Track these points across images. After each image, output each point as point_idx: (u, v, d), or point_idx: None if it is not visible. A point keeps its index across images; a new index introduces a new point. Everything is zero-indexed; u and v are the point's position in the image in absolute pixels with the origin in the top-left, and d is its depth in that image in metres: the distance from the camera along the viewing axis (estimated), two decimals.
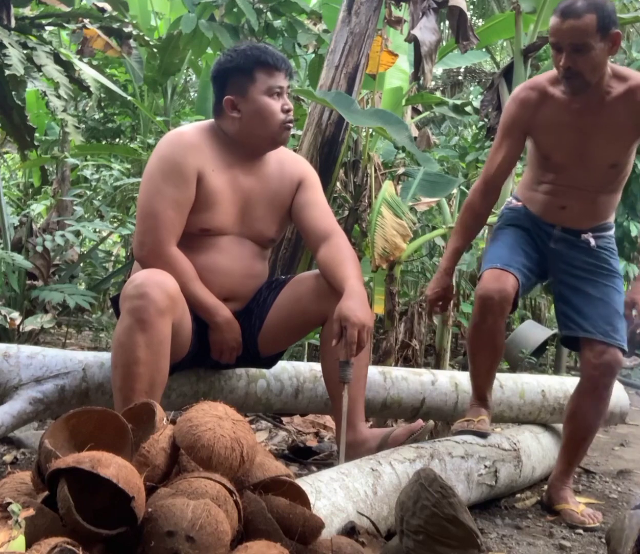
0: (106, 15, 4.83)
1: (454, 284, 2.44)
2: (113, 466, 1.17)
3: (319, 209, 2.31)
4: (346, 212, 4.15)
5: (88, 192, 5.48)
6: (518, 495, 2.64)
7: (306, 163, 2.47)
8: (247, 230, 2.27)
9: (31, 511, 1.17)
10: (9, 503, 1.20)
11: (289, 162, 2.36)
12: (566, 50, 2.21)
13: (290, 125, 2.24)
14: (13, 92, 4.30)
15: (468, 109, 4.88)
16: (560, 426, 3.13)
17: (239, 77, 2.20)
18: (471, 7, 9.78)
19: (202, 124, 2.30)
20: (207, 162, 2.18)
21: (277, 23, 5.37)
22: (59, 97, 4.13)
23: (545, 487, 2.63)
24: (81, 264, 5.13)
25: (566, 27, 2.20)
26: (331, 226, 2.29)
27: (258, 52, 2.20)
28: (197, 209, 2.17)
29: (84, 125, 6.57)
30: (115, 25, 4.91)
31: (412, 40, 3.69)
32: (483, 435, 2.44)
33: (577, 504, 2.45)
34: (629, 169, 2.45)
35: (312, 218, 2.29)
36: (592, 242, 2.47)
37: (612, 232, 2.53)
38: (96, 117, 7.02)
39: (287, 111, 2.22)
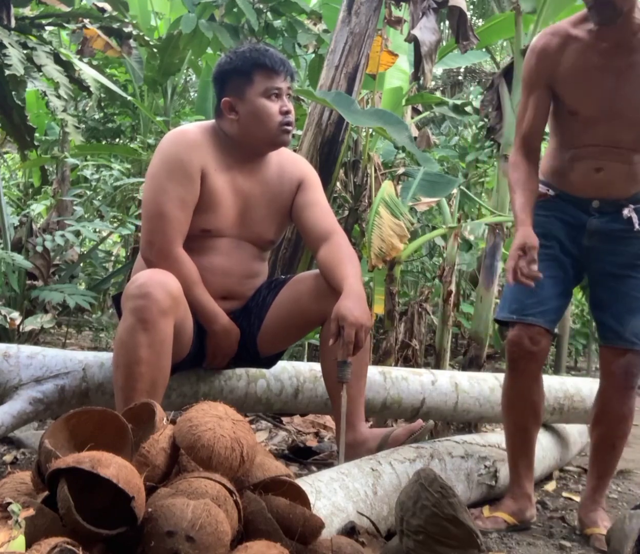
0: (106, 15, 4.84)
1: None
2: (113, 466, 1.18)
3: (320, 209, 2.30)
4: (346, 212, 4.15)
5: (88, 192, 5.47)
6: None
7: (306, 163, 2.46)
8: (246, 232, 2.26)
9: (31, 511, 1.17)
10: (9, 503, 1.20)
11: (289, 162, 2.35)
12: None
13: (289, 127, 2.22)
14: (13, 92, 4.30)
15: (468, 109, 4.87)
16: (560, 426, 3.13)
17: (237, 78, 2.19)
18: (471, 7, 9.78)
19: (203, 124, 2.29)
20: (209, 161, 2.18)
21: (277, 23, 5.37)
22: (59, 97, 4.13)
23: (546, 487, 2.63)
24: (81, 264, 5.13)
25: None
26: (332, 225, 2.28)
27: (257, 54, 2.19)
28: (199, 208, 2.16)
29: (84, 125, 6.56)
30: (115, 25, 4.91)
31: (412, 40, 3.68)
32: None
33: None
34: None
35: (313, 218, 2.28)
36: (636, 220, 2.18)
37: None
38: (96, 117, 7.02)
39: (285, 113, 2.20)
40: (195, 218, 2.16)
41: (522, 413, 2.28)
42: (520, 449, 2.32)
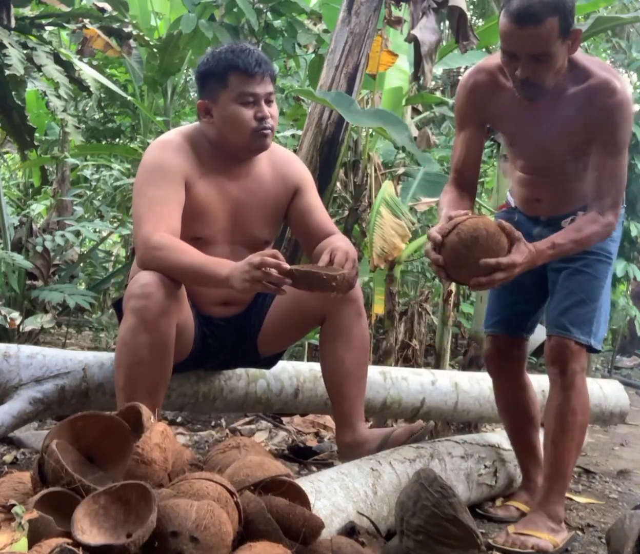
0: (106, 15, 4.83)
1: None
2: None
3: (319, 214, 2.29)
4: (346, 212, 4.15)
5: (88, 192, 5.48)
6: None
7: (301, 164, 2.41)
8: (240, 237, 2.20)
9: (35, 514, 1.17)
10: (13, 505, 1.20)
11: (283, 163, 2.29)
12: (524, 60, 1.91)
13: (266, 132, 2.12)
14: (13, 92, 4.30)
15: None
16: None
17: (212, 82, 2.12)
18: (471, 7, 9.77)
19: (186, 129, 2.23)
20: (193, 168, 2.12)
21: (277, 23, 5.36)
22: (59, 97, 4.13)
23: None
24: (81, 264, 5.13)
25: (525, 35, 1.86)
26: (332, 228, 2.28)
27: (232, 56, 2.09)
28: (187, 217, 2.09)
29: (84, 125, 6.56)
30: (115, 25, 4.90)
31: (412, 40, 3.68)
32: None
33: None
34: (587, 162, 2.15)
35: (315, 223, 2.26)
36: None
37: None
38: (96, 117, 7.02)
39: (260, 119, 2.10)
40: (184, 227, 2.08)
41: (514, 417, 2.42)
42: (522, 448, 2.44)
